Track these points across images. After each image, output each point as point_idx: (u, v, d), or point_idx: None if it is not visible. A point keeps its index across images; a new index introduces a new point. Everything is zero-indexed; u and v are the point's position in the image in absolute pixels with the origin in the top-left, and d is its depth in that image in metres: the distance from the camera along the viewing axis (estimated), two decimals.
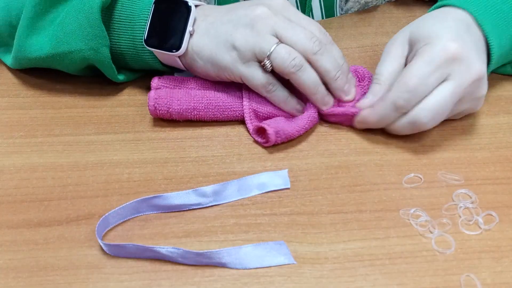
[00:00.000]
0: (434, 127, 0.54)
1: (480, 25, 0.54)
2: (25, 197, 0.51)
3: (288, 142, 0.56)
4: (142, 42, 0.57)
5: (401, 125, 0.54)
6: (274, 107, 0.57)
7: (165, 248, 0.46)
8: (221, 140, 0.57)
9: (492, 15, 0.55)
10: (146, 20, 0.57)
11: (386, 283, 0.44)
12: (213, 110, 0.57)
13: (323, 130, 0.58)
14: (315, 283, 0.44)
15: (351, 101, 0.57)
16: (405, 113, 0.53)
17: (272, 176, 0.52)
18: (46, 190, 0.52)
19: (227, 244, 0.47)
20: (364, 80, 0.59)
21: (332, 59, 0.55)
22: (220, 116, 0.57)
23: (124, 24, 0.58)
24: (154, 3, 0.57)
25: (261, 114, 0.57)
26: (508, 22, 0.56)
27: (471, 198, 0.50)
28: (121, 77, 0.61)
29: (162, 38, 0.56)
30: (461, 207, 0.50)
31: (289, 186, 0.52)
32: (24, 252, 0.47)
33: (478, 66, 0.52)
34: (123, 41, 0.59)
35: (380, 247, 0.47)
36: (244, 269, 0.46)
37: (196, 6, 0.57)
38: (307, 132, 0.57)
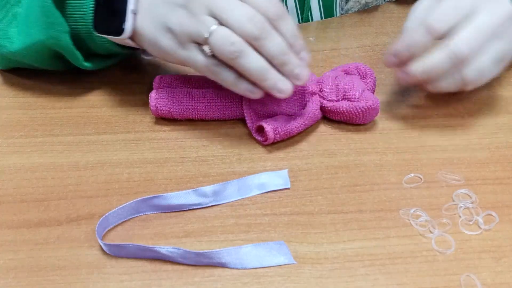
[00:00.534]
0: (434, 127, 0.54)
1: None
2: (25, 197, 0.51)
3: (288, 142, 0.56)
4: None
5: (442, 59, 0.51)
6: (274, 105, 0.56)
7: (165, 248, 0.46)
8: (221, 140, 0.57)
9: None
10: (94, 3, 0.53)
11: (386, 283, 0.44)
12: (213, 110, 0.57)
13: (323, 130, 0.58)
14: (315, 283, 0.44)
15: (355, 97, 0.55)
16: (442, 47, 0.51)
17: (272, 176, 0.52)
18: (46, 190, 0.52)
19: (227, 244, 0.47)
20: (367, 78, 0.58)
21: (276, 43, 0.49)
22: (221, 116, 0.57)
23: (76, 9, 0.54)
24: None
25: (261, 113, 0.57)
26: None
27: (471, 198, 0.50)
28: (87, 64, 0.58)
29: (108, 22, 0.52)
30: (461, 207, 0.50)
31: (289, 186, 0.52)
32: (24, 252, 0.47)
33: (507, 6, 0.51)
34: (79, 25, 0.55)
35: (380, 247, 0.47)
36: (244, 269, 0.46)
37: None
38: (307, 132, 0.57)
